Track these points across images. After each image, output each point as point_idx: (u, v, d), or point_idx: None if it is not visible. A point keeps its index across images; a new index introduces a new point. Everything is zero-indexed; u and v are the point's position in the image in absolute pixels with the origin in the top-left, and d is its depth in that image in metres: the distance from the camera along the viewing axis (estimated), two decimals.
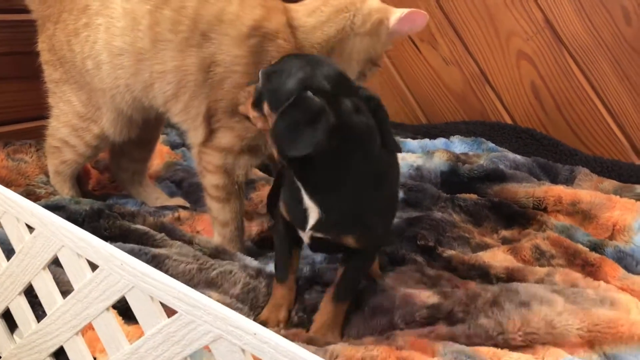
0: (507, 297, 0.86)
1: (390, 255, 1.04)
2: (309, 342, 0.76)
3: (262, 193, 1.28)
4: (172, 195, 1.30)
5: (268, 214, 1.16)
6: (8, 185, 1.14)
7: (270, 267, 0.97)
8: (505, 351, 0.76)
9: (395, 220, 1.03)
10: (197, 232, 1.12)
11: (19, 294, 0.78)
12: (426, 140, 1.64)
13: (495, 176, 1.36)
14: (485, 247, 1.13)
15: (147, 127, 1.16)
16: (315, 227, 0.78)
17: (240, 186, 1.03)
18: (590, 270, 1.01)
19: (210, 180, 1.02)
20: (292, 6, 0.99)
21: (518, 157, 1.47)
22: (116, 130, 1.10)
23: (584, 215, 1.20)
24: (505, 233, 1.20)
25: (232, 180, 1.02)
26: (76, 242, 0.67)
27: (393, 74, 1.97)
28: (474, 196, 1.30)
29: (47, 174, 1.22)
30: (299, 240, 0.85)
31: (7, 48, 1.32)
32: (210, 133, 1.01)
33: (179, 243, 0.99)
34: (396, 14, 0.96)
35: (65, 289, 0.73)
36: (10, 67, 1.32)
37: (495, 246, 1.13)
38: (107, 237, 0.97)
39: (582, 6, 1.57)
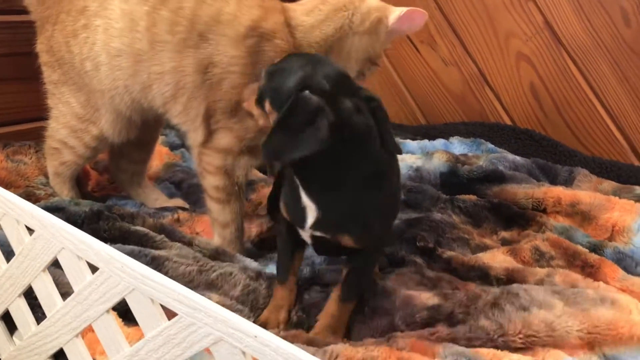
0: (508, 299, 0.86)
1: (390, 256, 1.04)
2: (309, 344, 0.76)
3: (262, 194, 1.28)
4: (171, 196, 1.30)
5: (267, 215, 1.16)
6: (7, 186, 1.14)
7: (270, 269, 0.97)
8: (506, 353, 0.76)
9: (395, 221, 1.03)
10: (197, 233, 1.12)
11: (19, 296, 0.78)
12: (425, 141, 1.64)
13: (494, 177, 1.36)
14: (484, 248, 1.13)
15: (146, 128, 1.16)
16: (313, 226, 0.78)
17: (240, 187, 1.03)
18: (590, 272, 1.01)
19: (211, 182, 1.02)
20: (290, 6, 0.99)
21: (517, 158, 1.47)
22: (115, 132, 1.10)
23: (583, 216, 1.20)
24: (504, 234, 1.20)
25: (232, 181, 1.02)
26: (76, 244, 0.67)
27: (392, 75, 1.98)
28: (473, 197, 1.30)
29: (46, 176, 1.21)
30: (302, 243, 0.85)
31: (6, 49, 1.31)
32: (209, 134, 1.01)
33: (178, 244, 0.99)
34: (395, 13, 0.96)
35: (65, 290, 0.73)
36: (10, 68, 1.32)
37: (494, 247, 1.13)
38: (107, 239, 0.97)
39: (581, 7, 1.57)
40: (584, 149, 1.64)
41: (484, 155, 1.51)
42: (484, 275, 1.00)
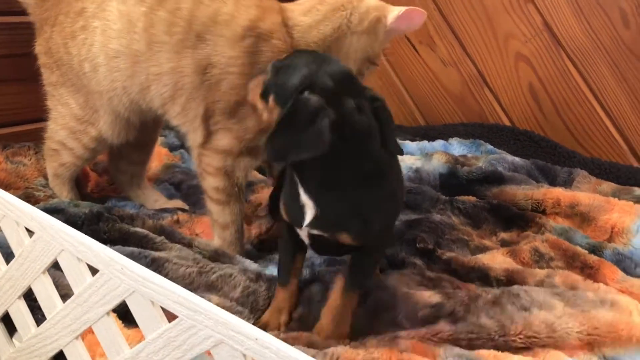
0: (509, 300, 0.86)
1: (390, 258, 1.04)
2: (310, 346, 0.76)
3: (261, 195, 1.28)
4: (170, 197, 1.30)
5: (267, 217, 1.16)
6: (7, 188, 1.14)
7: (270, 270, 0.97)
8: (507, 354, 0.76)
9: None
10: (196, 234, 1.12)
11: (19, 297, 0.78)
12: (425, 143, 1.64)
13: (493, 178, 1.36)
14: (484, 249, 1.13)
15: (145, 129, 1.16)
16: (311, 224, 0.78)
17: (240, 188, 1.03)
18: (589, 273, 1.01)
19: (211, 183, 1.02)
20: (288, 6, 0.98)
21: (517, 159, 1.47)
22: (114, 133, 1.10)
23: (582, 217, 1.20)
24: (504, 235, 1.20)
25: (232, 182, 1.01)
26: (76, 246, 0.67)
27: (391, 76, 1.98)
28: (472, 198, 1.30)
29: (45, 177, 1.21)
30: (303, 244, 0.85)
31: (5, 50, 1.31)
32: (209, 135, 1.00)
33: (178, 246, 0.99)
34: (394, 12, 0.96)
35: (64, 292, 0.73)
36: (9, 70, 1.32)
37: (494, 248, 1.13)
38: (107, 240, 0.97)
39: (581, 9, 1.58)
40: (583, 150, 1.64)
41: (483, 157, 1.51)
42: (483, 277, 1.00)
